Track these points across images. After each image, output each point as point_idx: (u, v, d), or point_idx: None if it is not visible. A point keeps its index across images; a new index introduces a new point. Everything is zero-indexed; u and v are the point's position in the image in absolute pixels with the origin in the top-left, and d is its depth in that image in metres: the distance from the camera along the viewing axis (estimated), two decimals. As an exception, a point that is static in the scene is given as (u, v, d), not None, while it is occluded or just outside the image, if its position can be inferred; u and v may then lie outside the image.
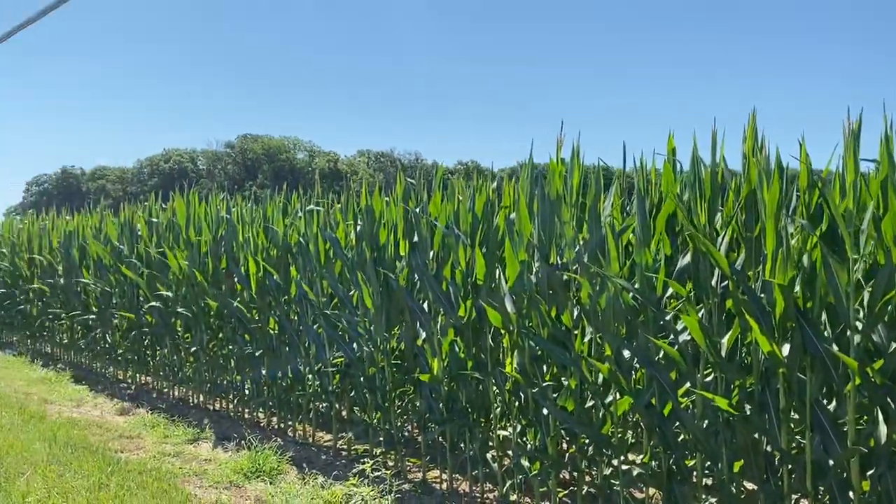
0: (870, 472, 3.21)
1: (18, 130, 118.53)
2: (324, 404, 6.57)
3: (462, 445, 5.10)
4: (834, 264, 3.17)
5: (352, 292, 5.88)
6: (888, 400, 3.10)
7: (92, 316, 9.82)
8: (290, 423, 6.85)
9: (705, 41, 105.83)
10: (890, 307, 3.17)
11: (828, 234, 3.39)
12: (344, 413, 6.43)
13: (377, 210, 5.72)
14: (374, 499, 4.85)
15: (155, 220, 8.58)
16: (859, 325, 3.17)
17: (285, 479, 5.41)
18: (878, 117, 3.20)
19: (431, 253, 5.27)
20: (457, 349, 5.00)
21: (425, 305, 5.28)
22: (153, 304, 8.15)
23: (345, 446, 6.19)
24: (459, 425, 5.01)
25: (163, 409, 7.71)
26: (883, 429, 3.13)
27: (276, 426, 6.95)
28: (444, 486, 5.22)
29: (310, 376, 6.42)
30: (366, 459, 5.61)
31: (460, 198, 5.18)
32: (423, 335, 5.27)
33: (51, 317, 11.24)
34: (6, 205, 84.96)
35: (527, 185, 4.49)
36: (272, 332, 6.78)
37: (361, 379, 5.77)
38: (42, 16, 6.29)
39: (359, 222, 5.80)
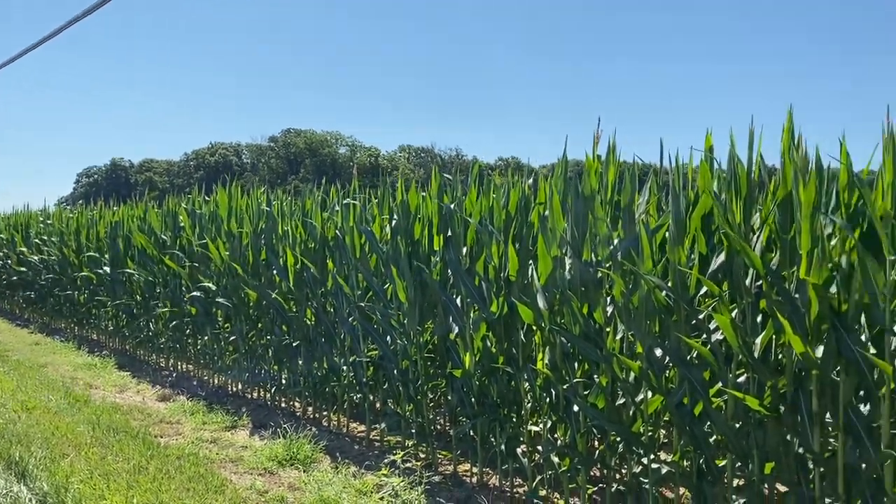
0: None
1: (70, 123, 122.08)
2: (358, 395, 6.65)
3: (492, 440, 5.13)
4: (871, 265, 3.11)
5: (386, 286, 5.94)
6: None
7: (136, 304, 10.09)
8: (324, 413, 6.96)
9: (747, 40, 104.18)
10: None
11: (867, 235, 3.33)
12: (377, 405, 6.51)
13: (412, 205, 5.77)
14: (405, 489, 4.91)
15: (198, 211, 8.77)
16: (896, 328, 3.12)
17: (318, 468, 5.51)
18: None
19: (465, 248, 5.30)
20: (488, 344, 5.03)
21: (458, 300, 5.32)
22: (195, 293, 8.35)
23: (377, 437, 6.27)
24: (490, 420, 5.05)
25: (202, 396, 7.88)
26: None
27: (312, 416, 7.07)
28: (474, 479, 5.26)
29: (344, 368, 6.52)
30: (397, 451, 5.68)
31: (494, 195, 5.20)
32: (456, 330, 5.31)
33: (97, 304, 11.57)
34: (57, 195, 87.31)
35: (560, 181, 4.49)
36: (309, 323, 6.89)
37: (395, 371, 5.84)
38: (87, 14, 6.48)
39: (394, 217, 5.85)
